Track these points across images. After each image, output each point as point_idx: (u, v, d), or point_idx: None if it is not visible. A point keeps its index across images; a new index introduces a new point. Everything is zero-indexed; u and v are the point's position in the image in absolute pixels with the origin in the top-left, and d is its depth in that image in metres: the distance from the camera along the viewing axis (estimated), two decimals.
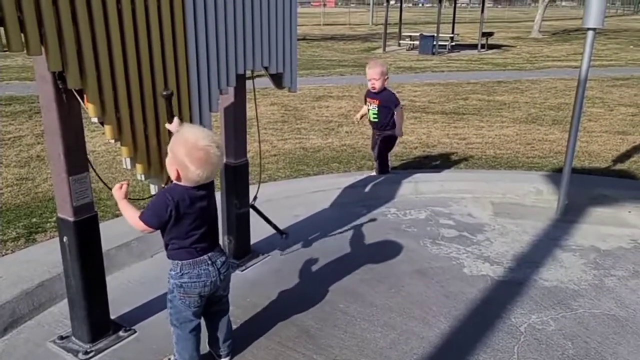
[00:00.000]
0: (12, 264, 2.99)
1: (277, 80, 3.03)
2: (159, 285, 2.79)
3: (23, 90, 9.18)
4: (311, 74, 12.56)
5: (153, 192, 2.45)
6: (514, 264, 3.32)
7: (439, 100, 9.09)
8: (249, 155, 3.20)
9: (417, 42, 19.17)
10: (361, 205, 4.19)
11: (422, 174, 4.81)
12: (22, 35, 1.75)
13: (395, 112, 4.55)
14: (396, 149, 5.87)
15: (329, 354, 2.44)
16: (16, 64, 13.32)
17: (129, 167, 2.28)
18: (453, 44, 19.67)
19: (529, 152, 5.84)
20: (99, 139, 5.96)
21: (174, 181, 1.98)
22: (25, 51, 1.77)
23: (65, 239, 2.25)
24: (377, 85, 4.55)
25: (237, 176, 3.09)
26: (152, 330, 2.56)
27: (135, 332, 2.54)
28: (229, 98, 2.93)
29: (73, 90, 2.00)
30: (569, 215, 4.06)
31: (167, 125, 2.20)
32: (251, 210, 3.23)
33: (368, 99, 4.66)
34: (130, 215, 2.03)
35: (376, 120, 4.59)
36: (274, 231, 3.37)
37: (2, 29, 1.72)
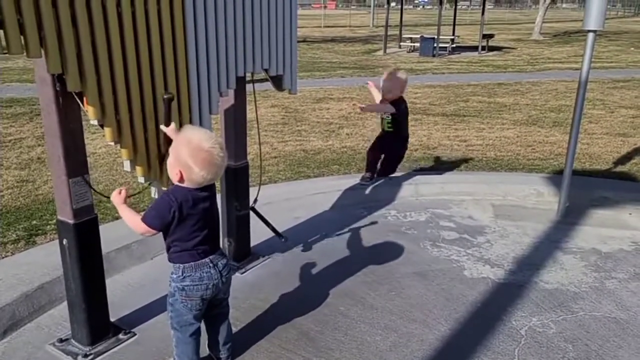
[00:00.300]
0: (12, 267, 2.99)
1: (277, 82, 3.03)
2: (159, 287, 2.79)
3: (24, 92, 9.20)
4: (312, 76, 12.57)
5: (154, 196, 2.45)
6: (514, 266, 3.31)
7: (440, 102, 9.09)
8: (249, 157, 3.20)
9: (417, 44, 19.19)
10: (361, 208, 4.19)
11: (422, 176, 4.81)
12: (22, 37, 1.75)
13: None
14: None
15: (329, 357, 2.43)
16: (17, 66, 13.34)
17: (129, 169, 2.27)
18: (454, 45, 19.67)
19: (529, 154, 5.84)
20: (100, 141, 5.96)
21: (177, 183, 1.98)
22: (25, 54, 1.77)
23: (65, 241, 2.25)
24: (391, 97, 4.41)
25: (237, 178, 3.09)
26: (152, 333, 2.55)
27: (135, 335, 2.53)
28: (229, 100, 2.93)
29: (73, 92, 2.00)
30: (570, 218, 4.05)
31: (163, 128, 2.19)
32: (251, 212, 3.23)
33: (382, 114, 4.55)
34: (131, 218, 2.03)
35: (391, 130, 4.51)
36: (274, 233, 3.37)
37: (1, 31, 1.72)
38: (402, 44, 21.06)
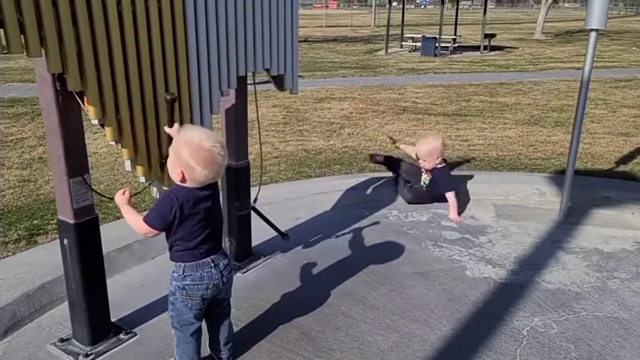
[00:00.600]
0: (13, 266, 2.99)
1: (279, 82, 3.02)
2: (160, 287, 2.79)
3: (26, 92, 9.20)
4: (313, 75, 12.56)
5: (154, 195, 2.45)
6: (516, 266, 3.30)
7: (441, 102, 9.08)
8: (250, 157, 3.19)
9: (419, 44, 19.16)
10: (363, 208, 4.18)
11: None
12: (22, 36, 1.75)
13: (447, 195, 4.12)
14: (398, 150, 5.87)
15: (330, 357, 2.42)
16: (19, 66, 13.36)
17: (129, 169, 2.27)
18: (455, 45, 19.65)
19: (531, 153, 5.82)
20: (101, 141, 5.96)
21: (178, 183, 1.97)
22: (25, 53, 1.77)
23: (65, 241, 2.24)
24: (427, 166, 4.15)
25: (238, 178, 3.08)
26: (153, 333, 2.55)
27: (136, 334, 2.53)
28: (230, 100, 2.92)
29: (73, 92, 2.00)
30: (572, 217, 4.04)
31: (167, 129, 2.19)
32: (252, 212, 3.22)
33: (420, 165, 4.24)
34: (134, 219, 2.02)
35: (427, 190, 4.23)
36: (275, 233, 3.37)
37: (1, 30, 1.71)
38: (403, 43, 21.04)
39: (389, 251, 3.48)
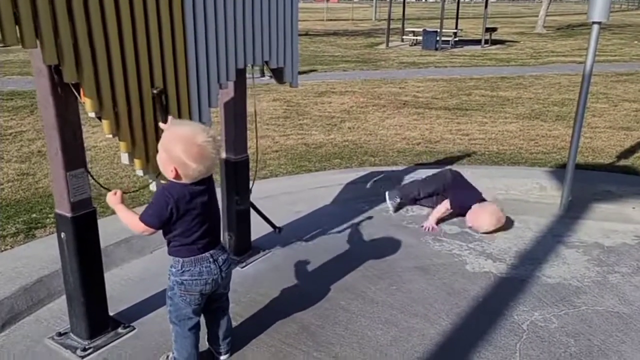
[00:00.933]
0: (11, 260, 2.98)
1: (278, 75, 3.00)
2: (159, 281, 2.77)
3: (25, 85, 9.18)
4: (314, 69, 12.51)
5: (152, 189, 2.43)
6: (516, 261, 3.29)
7: (442, 96, 9.05)
8: (249, 151, 3.17)
9: (420, 38, 19.07)
10: (362, 202, 4.16)
11: (424, 170, 4.77)
12: (17, 27, 1.73)
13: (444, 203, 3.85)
14: (398, 145, 5.86)
15: (329, 351, 2.41)
16: (18, 59, 13.32)
17: (127, 162, 2.25)
18: (456, 39, 19.57)
19: (532, 148, 5.80)
20: (101, 135, 5.94)
21: (172, 180, 1.93)
22: (20, 44, 1.75)
23: (63, 234, 2.23)
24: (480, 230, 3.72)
25: (237, 172, 3.07)
26: (151, 327, 2.54)
27: (134, 329, 2.52)
28: (228, 93, 2.90)
29: (70, 84, 1.98)
30: (573, 212, 4.02)
31: (162, 125, 2.14)
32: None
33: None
34: (129, 218, 2.00)
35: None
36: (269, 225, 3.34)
37: None
38: (404, 37, 20.95)
39: (389, 245, 3.47)
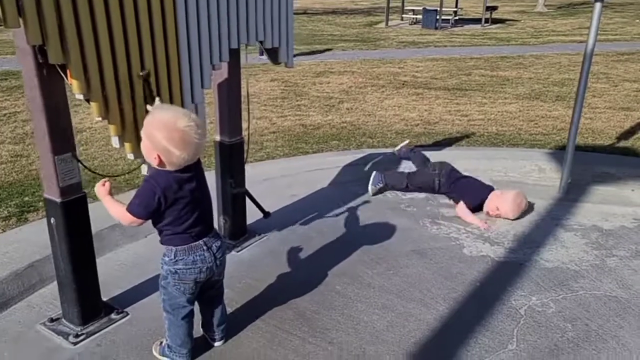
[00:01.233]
0: (2, 244, 2.94)
1: (273, 55, 2.93)
2: (153, 266, 2.73)
3: (19, 65, 9.01)
4: (312, 48, 12.36)
5: (144, 173, 2.38)
6: (514, 244, 3.26)
7: (442, 76, 8.95)
8: (245, 133, 3.11)
9: (420, 16, 18.86)
10: (360, 185, 4.11)
11: (423, 152, 4.71)
12: None
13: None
14: (397, 126, 5.80)
15: (325, 337, 2.39)
16: (11, 38, 13.11)
17: (117, 145, 2.20)
18: (456, 18, 19.36)
19: (531, 129, 5.74)
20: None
21: (157, 167, 1.87)
22: (2, 24, 1.68)
23: (52, 220, 2.18)
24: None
25: (232, 155, 3.01)
26: (145, 312, 2.51)
27: (128, 314, 2.49)
28: (222, 74, 2.83)
29: (56, 65, 1.91)
30: (572, 194, 3.98)
31: (150, 108, 2.08)
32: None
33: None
34: (116, 210, 1.95)
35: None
36: (270, 211, 3.29)
37: None
38: (404, 16, 20.71)
39: (386, 229, 3.43)
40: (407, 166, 4.34)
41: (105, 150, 4.84)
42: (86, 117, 5.82)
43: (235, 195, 3.09)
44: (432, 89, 7.87)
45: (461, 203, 3.66)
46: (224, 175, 3.04)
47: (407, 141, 4.41)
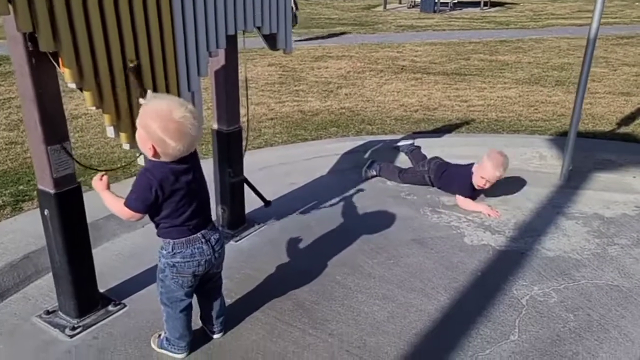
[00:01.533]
0: None
1: (271, 41, 2.86)
2: (151, 257, 2.68)
3: None
4: (310, 33, 12.22)
5: (141, 163, 2.33)
6: (515, 233, 3.23)
7: (440, 61, 8.86)
8: (243, 120, 3.05)
9: (418, 0, 18.65)
10: (359, 172, 4.06)
11: (422, 139, 4.66)
12: None
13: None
14: (396, 112, 5.74)
15: (325, 328, 2.37)
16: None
17: (112, 135, 2.15)
18: (455, 1, 19.14)
19: (532, 114, 5.69)
20: None
21: (152, 158, 1.83)
22: None
23: (46, 211, 2.14)
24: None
25: (230, 144, 2.96)
26: (143, 304, 2.47)
27: (125, 306, 2.46)
28: (219, 61, 2.76)
29: (47, 53, 1.85)
30: (573, 181, 3.95)
31: (141, 101, 2.01)
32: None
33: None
34: (114, 204, 1.91)
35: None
36: (269, 199, 3.26)
37: None
38: None
39: (386, 218, 3.39)
40: (404, 160, 4.27)
41: (102, 137, 4.77)
42: (81, 102, 5.73)
43: (234, 184, 3.04)
44: (431, 74, 7.79)
45: (457, 197, 3.62)
46: (222, 164, 3.00)
47: (411, 141, 4.34)
